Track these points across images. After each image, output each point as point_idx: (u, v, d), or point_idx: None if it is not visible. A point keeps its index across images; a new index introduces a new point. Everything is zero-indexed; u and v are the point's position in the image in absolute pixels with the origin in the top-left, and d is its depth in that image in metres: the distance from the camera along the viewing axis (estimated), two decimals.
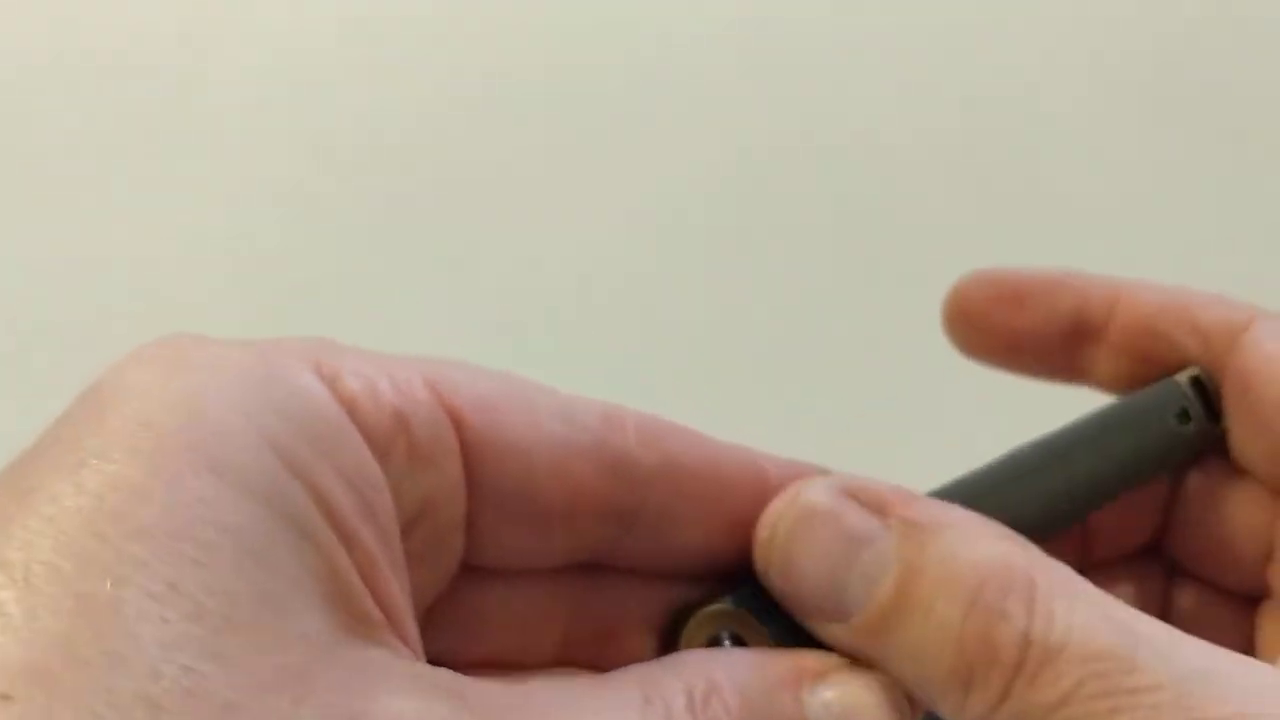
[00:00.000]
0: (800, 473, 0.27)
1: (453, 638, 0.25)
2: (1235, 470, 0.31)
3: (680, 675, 0.23)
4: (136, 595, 0.18)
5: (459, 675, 0.21)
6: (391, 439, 0.23)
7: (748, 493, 0.26)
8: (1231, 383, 0.30)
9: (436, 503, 0.24)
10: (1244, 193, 0.67)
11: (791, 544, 0.26)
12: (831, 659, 0.25)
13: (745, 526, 0.26)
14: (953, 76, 0.68)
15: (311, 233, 0.68)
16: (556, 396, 0.25)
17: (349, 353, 0.23)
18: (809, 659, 0.25)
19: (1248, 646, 0.31)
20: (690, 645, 0.27)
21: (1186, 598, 0.33)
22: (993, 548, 0.25)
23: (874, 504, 0.25)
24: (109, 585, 0.18)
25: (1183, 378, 0.30)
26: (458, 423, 0.24)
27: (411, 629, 0.22)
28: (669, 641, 0.27)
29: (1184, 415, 0.30)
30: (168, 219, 0.68)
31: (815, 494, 0.26)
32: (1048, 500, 0.29)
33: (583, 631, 0.27)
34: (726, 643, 0.26)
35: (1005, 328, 0.32)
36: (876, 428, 0.66)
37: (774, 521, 0.26)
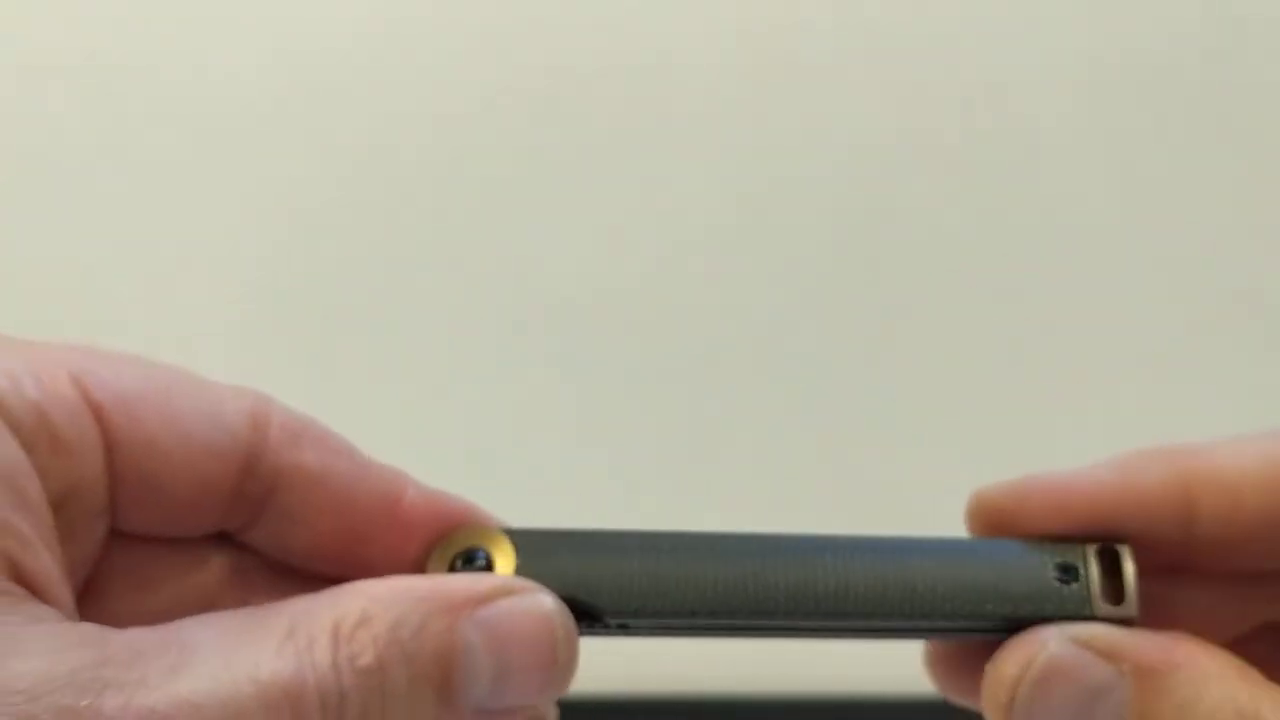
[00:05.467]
0: (442, 504, 0.27)
1: (115, 598, 0.27)
2: None
3: (336, 606, 0.24)
4: None
5: (105, 628, 0.23)
6: (36, 432, 0.24)
7: (374, 510, 0.27)
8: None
9: (80, 489, 0.25)
10: (1245, 194, 0.67)
11: (1033, 705, 0.26)
12: (500, 581, 0.25)
13: (367, 542, 0.27)
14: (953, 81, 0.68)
15: (312, 236, 0.68)
16: (206, 394, 0.27)
17: None
18: (481, 583, 0.25)
19: None
20: (436, 565, 0.27)
21: None
22: (1224, 691, 0.24)
23: (1107, 651, 0.25)
24: None
25: (1092, 546, 0.27)
26: (100, 418, 0.25)
27: (65, 595, 0.24)
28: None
29: (1067, 571, 0.27)
30: (169, 224, 0.68)
31: (1054, 649, 0.26)
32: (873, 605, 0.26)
33: (233, 595, 0.28)
34: (481, 560, 0.27)
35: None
36: (880, 435, 0.66)
37: (1013, 684, 0.26)
